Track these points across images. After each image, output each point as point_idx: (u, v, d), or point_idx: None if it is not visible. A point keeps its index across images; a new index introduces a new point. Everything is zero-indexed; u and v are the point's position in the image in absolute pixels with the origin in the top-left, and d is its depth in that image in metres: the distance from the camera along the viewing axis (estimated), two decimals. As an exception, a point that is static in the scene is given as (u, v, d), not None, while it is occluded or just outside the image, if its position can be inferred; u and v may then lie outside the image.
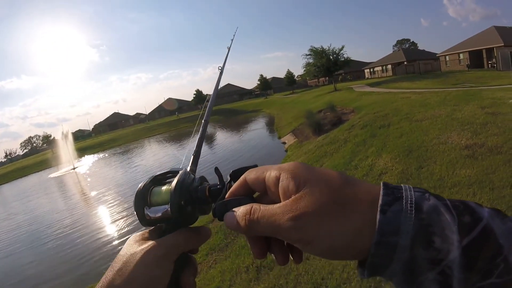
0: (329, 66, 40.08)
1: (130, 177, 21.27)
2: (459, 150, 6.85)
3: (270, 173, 0.45)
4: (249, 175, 0.48)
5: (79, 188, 24.28)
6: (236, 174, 0.53)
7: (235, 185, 0.51)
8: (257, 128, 30.69)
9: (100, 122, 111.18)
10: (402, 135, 9.14)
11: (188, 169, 0.64)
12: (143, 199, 0.55)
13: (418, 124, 9.64)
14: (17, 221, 18.65)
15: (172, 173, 0.59)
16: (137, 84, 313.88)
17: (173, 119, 69.06)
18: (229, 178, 0.55)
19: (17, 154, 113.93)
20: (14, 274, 10.40)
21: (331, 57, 40.37)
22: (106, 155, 43.36)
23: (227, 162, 16.01)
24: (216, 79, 1.03)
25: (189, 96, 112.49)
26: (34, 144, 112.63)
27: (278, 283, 4.28)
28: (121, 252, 0.51)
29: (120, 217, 12.36)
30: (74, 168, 35.18)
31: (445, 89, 17.60)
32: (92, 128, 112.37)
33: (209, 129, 40.43)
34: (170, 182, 0.56)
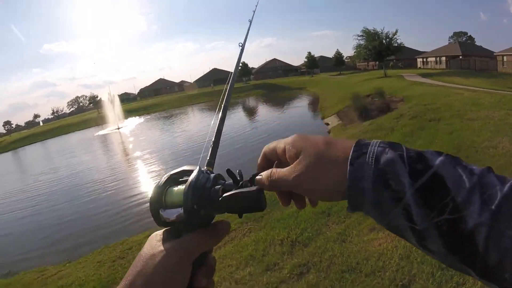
0: (381, 50, 38.33)
1: (171, 141, 21.68)
2: (509, 157, 6.45)
3: (279, 145, 0.58)
4: (266, 149, 0.61)
5: (121, 147, 25.27)
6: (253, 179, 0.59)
7: (260, 159, 0.62)
8: (300, 106, 30.35)
9: (146, 87, 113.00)
10: (453, 132, 8.78)
11: (205, 165, 0.66)
12: (158, 199, 0.57)
13: (470, 123, 9.15)
14: (59, 176, 19.61)
15: (187, 172, 0.59)
16: (183, 53, 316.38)
17: (208, 90, 68.92)
18: (238, 179, 0.59)
19: (63, 112, 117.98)
20: (51, 227, 11.01)
21: (384, 41, 38.66)
22: (150, 118, 44.48)
23: (268, 137, 15.94)
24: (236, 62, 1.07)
25: (233, 68, 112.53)
26: (81, 104, 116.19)
27: (311, 260, 4.28)
28: (141, 253, 0.54)
29: (157, 179, 12.66)
30: (118, 128, 36.47)
31: (501, 91, 16.44)
32: (138, 92, 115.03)
33: (252, 102, 40.38)
34: (185, 182, 0.57)
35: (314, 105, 27.21)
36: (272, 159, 0.61)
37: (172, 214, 0.55)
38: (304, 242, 4.77)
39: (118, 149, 25.29)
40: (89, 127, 49.43)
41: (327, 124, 17.50)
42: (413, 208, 0.44)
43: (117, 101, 48.49)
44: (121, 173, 15.49)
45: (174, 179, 0.59)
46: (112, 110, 44.65)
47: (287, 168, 0.55)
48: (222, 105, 0.82)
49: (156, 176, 13.29)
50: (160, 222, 0.56)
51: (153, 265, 0.51)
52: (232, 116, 28.00)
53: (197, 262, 0.54)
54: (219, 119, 0.78)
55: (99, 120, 49.12)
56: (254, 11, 1.32)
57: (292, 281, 4.03)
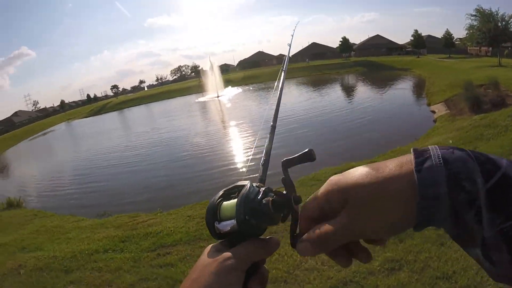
0: (496, 34, 33.86)
1: (265, 112, 21.91)
2: None
3: (315, 204, 0.54)
4: (305, 213, 0.56)
5: (219, 114, 26.48)
6: (288, 164, 0.59)
7: (301, 224, 0.57)
8: (403, 88, 28.61)
9: (245, 59, 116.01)
10: None
11: (258, 181, 0.67)
12: (213, 214, 0.60)
13: None
14: (160, 136, 21.28)
15: (240, 187, 0.61)
16: (281, 26, 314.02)
17: (303, 65, 67.87)
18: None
19: (167, 79, 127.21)
20: (148, 180, 12.12)
21: (500, 24, 34.17)
22: (248, 89, 45.69)
23: (363, 122, 15.60)
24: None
25: (333, 43, 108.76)
26: (183, 73, 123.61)
27: (405, 258, 4.21)
28: (197, 263, 0.57)
29: (249, 148, 13.22)
30: (218, 97, 38.25)
31: None
32: (237, 64, 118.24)
33: (350, 80, 39.23)
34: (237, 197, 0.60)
35: (419, 89, 25.46)
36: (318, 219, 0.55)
37: (226, 226, 0.58)
38: (400, 236, 4.55)
39: (216, 115, 26.70)
40: (190, 94, 52.35)
41: (433, 112, 16.39)
42: (483, 212, 0.41)
43: (217, 71, 50.44)
44: (217, 139, 16.54)
45: (228, 195, 0.63)
46: (213, 79, 46.59)
47: (335, 219, 0.50)
48: (271, 125, 0.83)
49: (248, 144, 13.92)
50: (215, 234, 0.59)
51: (208, 273, 0.52)
52: (326, 93, 27.49)
53: (250, 271, 0.56)
54: (267, 139, 0.77)
55: (200, 88, 51.74)
56: (292, 35, 1.30)
57: (381, 275, 3.97)
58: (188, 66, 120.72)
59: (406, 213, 0.45)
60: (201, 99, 40.47)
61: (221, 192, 0.63)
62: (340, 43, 79.01)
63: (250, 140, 14.82)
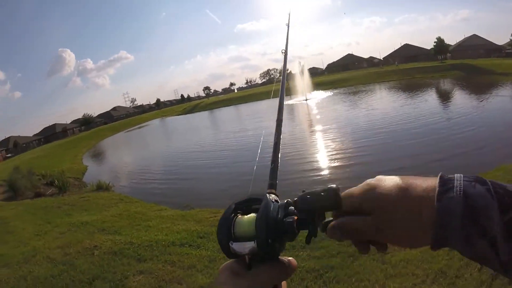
0: None
1: (355, 119, 20.54)
2: None
3: (352, 198, 0.58)
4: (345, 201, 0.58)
5: (306, 118, 25.76)
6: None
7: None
8: (506, 96, 24.12)
9: (333, 62, 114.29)
10: None
11: (267, 187, 0.66)
12: (227, 231, 0.55)
13: None
14: (246, 135, 21.38)
15: (253, 201, 0.58)
16: (371, 28, 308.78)
17: (392, 68, 64.19)
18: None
19: (255, 82, 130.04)
20: (233, 179, 11.83)
21: None
22: (337, 93, 44.37)
23: (458, 134, 13.73)
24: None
25: (426, 44, 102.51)
26: (271, 76, 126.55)
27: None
28: (216, 286, 0.53)
29: (333, 157, 12.38)
30: (306, 100, 37.58)
31: None
32: (326, 67, 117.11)
33: (448, 85, 35.78)
34: (254, 210, 0.56)
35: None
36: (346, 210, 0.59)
37: (244, 248, 0.53)
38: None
39: (303, 119, 25.94)
40: (278, 97, 52.31)
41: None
42: (499, 241, 0.45)
43: (306, 74, 49.93)
44: (301, 143, 15.67)
45: (241, 208, 0.58)
46: (301, 82, 46.22)
47: (364, 218, 0.55)
48: (276, 120, 0.83)
49: (333, 152, 13.05)
50: (230, 254, 0.55)
51: None
52: (424, 99, 25.26)
53: None
54: (275, 135, 0.76)
55: (288, 91, 51.44)
56: (287, 39, 1.22)
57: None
58: (277, 69, 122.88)
59: (424, 234, 0.50)
60: (289, 101, 40.08)
61: (233, 206, 0.58)
62: (435, 44, 73.06)
63: (335, 146, 14.06)
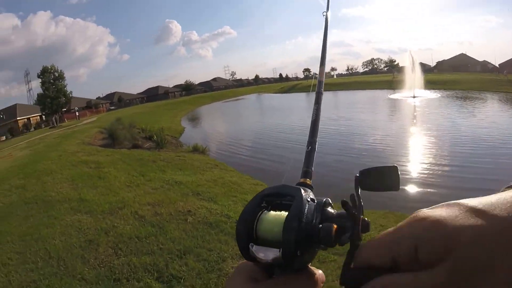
0: None
1: (472, 132, 15.57)
2: None
3: (404, 241, 0.34)
4: (367, 251, 0.38)
5: (411, 117, 22.56)
6: (364, 177, 0.44)
7: (358, 260, 0.40)
8: None
9: (444, 60, 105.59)
10: None
11: (301, 177, 0.55)
12: (248, 228, 0.44)
13: None
14: (342, 125, 19.59)
15: (284, 195, 0.45)
16: (485, 28, 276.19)
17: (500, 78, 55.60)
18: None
19: (357, 70, 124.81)
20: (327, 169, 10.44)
21: None
22: (449, 95, 39.80)
23: None
24: None
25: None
26: (375, 66, 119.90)
27: None
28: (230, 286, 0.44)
29: (426, 165, 10.04)
30: (414, 97, 34.25)
31: None
32: (435, 64, 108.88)
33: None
34: (285, 206, 0.44)
35: None
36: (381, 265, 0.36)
37: (267, 255, 0.41)
38: None
39: (407, 118, 22.87)
40: (380, 89, 49.37)
41: None
42: None
43: (417, 69, 46.01)
44: (399, 143, 13.43)
45: (270, 201, 0.46)
46: (411, 77, 42.57)
47: (428, 273, 0.31)
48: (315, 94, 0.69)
49: (433, 158, 10.73)
50: (249, 257, 0.43)
51: None
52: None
53: None
54: (313, 111, 0.63)
55: (394, 84, 48.20)
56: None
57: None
58: (381, 59, 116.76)
59: None
60: (394, 96, 37.11)
61: (260, 196, 0.46)
62: None
63: (438, 153, 11.37)
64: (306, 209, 0.41)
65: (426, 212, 0.33)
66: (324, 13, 0.95)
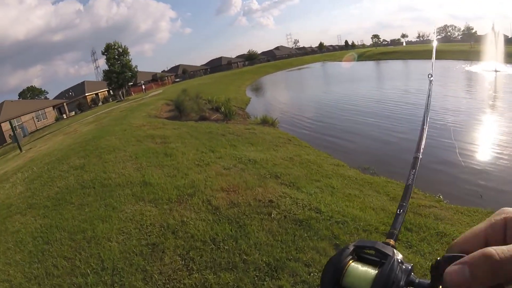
0: None
1: None
2: None
3: (494, 223, 0.39)
4: (460, 241, 0.41)
5: (490, 95, 19.24)
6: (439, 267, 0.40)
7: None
8: None
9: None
10: None
11: (387, 237, 0.54)
12: (335, 275, 0.46)
13: None
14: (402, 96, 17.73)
15: (379, 252, 0.47)
16: None
17: None
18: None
19: (428, 38, 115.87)
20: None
21: None
22: None
23: None
24: None
25: None
26: (448, 34, 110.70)
27: None
28: None
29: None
30: (496, 71, 30.47)
31: None
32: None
33: None
34: (372, 262, 0.47)
35: None
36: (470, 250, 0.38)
37: None
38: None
39: (485, 95, 19.11)
40: (456, 59, 44.83)
41: None
42: None
43: (500, 39, 41.22)
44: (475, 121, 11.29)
45: (360, 253, 0.49)
46: (494, 48, 38.17)
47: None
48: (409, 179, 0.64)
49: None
50: None
51: None
52: None
53: None
54: (406, 186, 0.62)
55: (471, 55, 43.82)
56: None
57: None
58: (455, 27, 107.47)
59: None
60: (472, 68, 33.27)
61: (351, 247, 0.49)
62: None
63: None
64: (397, 271, 0.43)
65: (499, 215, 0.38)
66: None
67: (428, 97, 0.74)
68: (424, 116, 0.71)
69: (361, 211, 4.62)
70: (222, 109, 14.42)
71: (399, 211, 0.57)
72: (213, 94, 20.92)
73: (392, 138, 10.35)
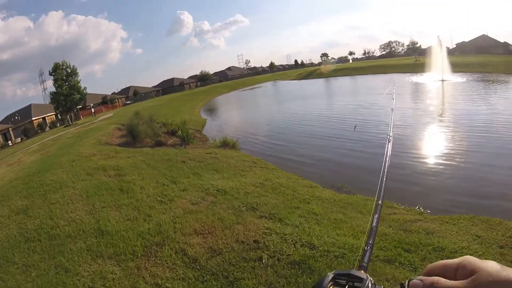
0: None
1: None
2: None
3: (450, 264, 0.56)
4: (432, 267, 0.58)
5: (441, 102, 19.66)
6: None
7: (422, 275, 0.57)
8: None
9: (464, 42, 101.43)
10: None
11: (355, 268, 0.66)
12: None
13: None
14: (351, 109, 18.43)
15: (353, 278, 0.57)
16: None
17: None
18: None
19: (373, 54, 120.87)
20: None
21: None
22: (476, 79, 35.67)
23: None
24: None
25: None
26: (392, 49, 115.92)
27: None
28: None
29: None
30: (442, 81, 31.78)
31: None
32: (455, 47, 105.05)
33: None
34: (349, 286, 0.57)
35: None
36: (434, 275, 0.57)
37: None
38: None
39: (437, 103, 19.32)
40: (402, 72, 47.22)
41: None
42: None
43: (444, 51, 43.30)
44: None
45: (337, 282, 0.58)
46: (438, 59, 39.99)
47: (459, 282, 0.53)
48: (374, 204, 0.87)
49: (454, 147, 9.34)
50: None
51: None
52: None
53: None
54: (370, 221, 0.81)
55: (416, 68, 45.99)
56: None
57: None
58: (399, 42, 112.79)
59: None
60: (418, 79, 34.75)
61: (331, 275, 0.58)
62: None
63: (459, 144, 9.61)
64: None
65: (468, 256, 0.54)
66: None
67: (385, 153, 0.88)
68: (383, 168, 0.83)
69: (354, 239, 4.14)
70: (179, 132, 13.48)
71: (367, 248, 0.67)
72: (168, 117, 20.14)
73: (354, 152, 10.19)
